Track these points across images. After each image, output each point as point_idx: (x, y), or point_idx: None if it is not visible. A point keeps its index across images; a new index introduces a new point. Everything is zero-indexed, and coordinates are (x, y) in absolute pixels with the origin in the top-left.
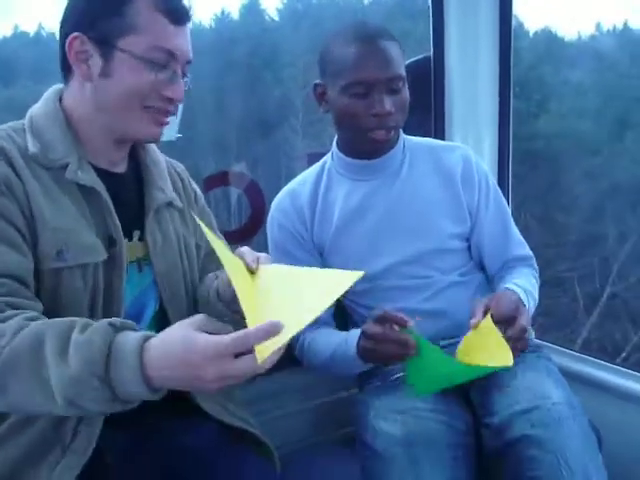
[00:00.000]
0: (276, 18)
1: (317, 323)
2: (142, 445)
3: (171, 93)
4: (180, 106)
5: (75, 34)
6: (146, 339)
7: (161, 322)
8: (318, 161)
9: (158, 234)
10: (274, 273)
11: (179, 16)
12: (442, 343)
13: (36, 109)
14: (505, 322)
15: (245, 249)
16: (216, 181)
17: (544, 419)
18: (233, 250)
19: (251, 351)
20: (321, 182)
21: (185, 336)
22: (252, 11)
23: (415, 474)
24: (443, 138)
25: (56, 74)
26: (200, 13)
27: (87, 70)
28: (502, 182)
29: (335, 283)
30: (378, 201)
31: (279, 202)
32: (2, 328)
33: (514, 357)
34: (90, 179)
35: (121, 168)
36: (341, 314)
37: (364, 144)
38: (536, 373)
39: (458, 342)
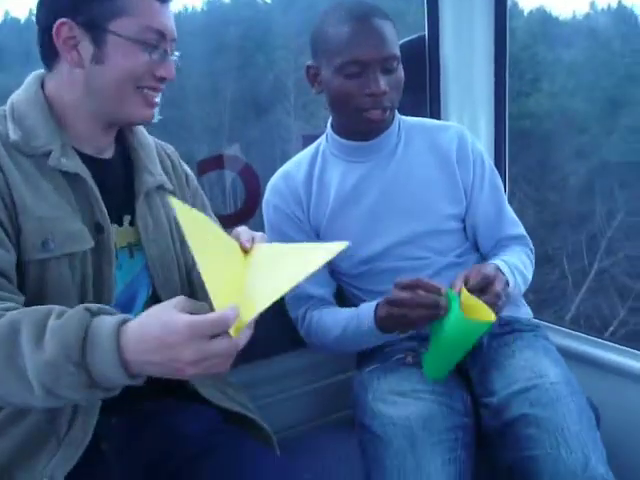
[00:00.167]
0: (268, 0)
1: (322, 303)
2: (138, 431)
3: (164, 72)
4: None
5: (62, 20)
6: (123, 322)
7: None
8: (313, 143)
9: (149, 219)
10: (267, 251)
11: None
12: None
13: (17, 95)
14: (480, 290)
15: (242, 229)
16: (209, 165)
17: (542, 398)
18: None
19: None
20: (316, 164)
21: (162, 317)
22: None
23: (414, 456)
24: (439, 118)
25: None
26: None
27: (78, 56)
28: (498, 161)
29: (319, 253)
30: (373, 182)
31: (274, 184)
32: None
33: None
34: (74, 165)
35: (108, 153)
36: (340, 299)
37: (359, 124)
38: (534, 352)
39: None
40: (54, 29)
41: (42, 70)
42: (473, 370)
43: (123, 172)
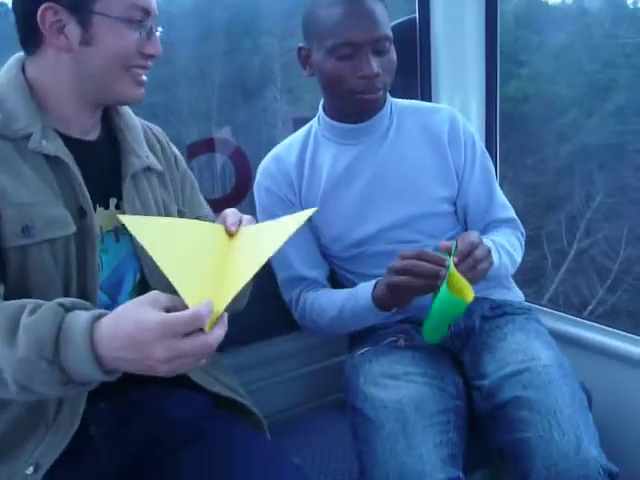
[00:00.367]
0: None
1: (316, 285)
2: (128, 417)
3: (152, 49)
4: None
5: (47, 4)
6: (97, 318)
7: (143, 293)
8: (304, 126)
9: (137, 202)
10: (251, 233)
11: None
12: None
13: None
14: (463, 257)
15: (229, 211)
16: (200, 148)
17: (535, 381)
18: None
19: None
20: (308, 146)
21: (136, 314)
22: None
23: (406, 439)
24: (430, 100)
25: None
26: None
27: (65, 40)
28: (489, 144)
29: (288, 223)
30: (365, 165)
31: (265, 167)
32: None
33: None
34: (54, 148)
35: (93, 135)
36: (333, 283)
37: (352, 106)
38: (526, 335)
39: None
40: (39, 14)
41: (21, 53)
42: (465, 353)
43: (109, 154)
